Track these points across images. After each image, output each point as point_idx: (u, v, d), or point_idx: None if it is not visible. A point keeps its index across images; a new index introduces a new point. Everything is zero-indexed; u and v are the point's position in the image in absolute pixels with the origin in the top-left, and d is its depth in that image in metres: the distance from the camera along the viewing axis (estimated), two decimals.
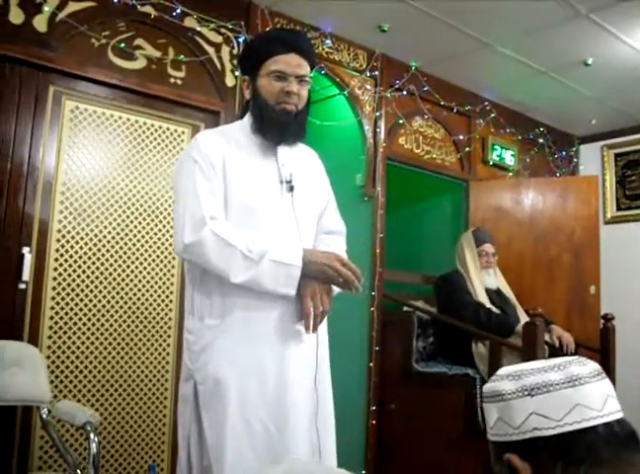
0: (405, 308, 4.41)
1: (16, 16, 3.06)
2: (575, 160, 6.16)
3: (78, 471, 2.55)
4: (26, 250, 3.05)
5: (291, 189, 2.02)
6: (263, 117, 2.02)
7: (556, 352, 3.86)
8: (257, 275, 1.82)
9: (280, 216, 1.98)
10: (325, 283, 1.91)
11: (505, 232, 4.95)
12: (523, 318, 4.11)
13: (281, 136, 2.03)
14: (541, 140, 5.80)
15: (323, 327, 2.07)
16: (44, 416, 2.65)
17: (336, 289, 2.01)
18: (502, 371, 1.10)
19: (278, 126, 2.00)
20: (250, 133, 2.05)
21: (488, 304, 4.11)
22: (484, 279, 4.30)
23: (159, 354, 3.46)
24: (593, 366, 1.05)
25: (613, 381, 3.81)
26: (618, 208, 5.77)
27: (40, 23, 3.13)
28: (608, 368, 4.01)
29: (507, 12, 3.85)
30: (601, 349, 4.23)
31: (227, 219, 1.93)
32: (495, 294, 4.27)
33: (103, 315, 3.28)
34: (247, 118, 2.10)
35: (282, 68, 1.99)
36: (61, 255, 3.17)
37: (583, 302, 4.73)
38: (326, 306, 1.92)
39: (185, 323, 2.02)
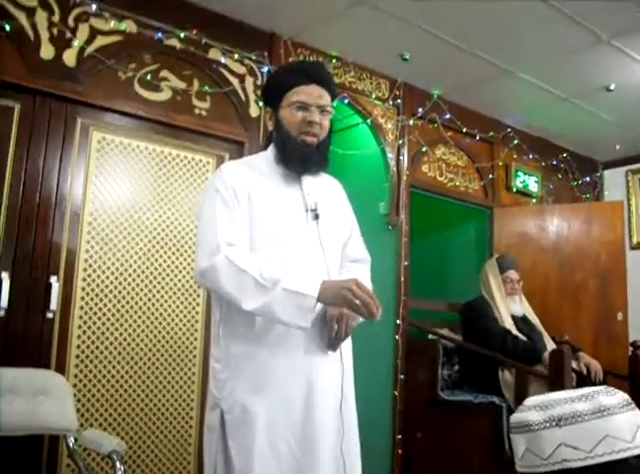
0: (430, 336, 4.38)
1: (47, 51, 3.14)
2: (599, 185, 6.12)
3: None
4: (53, 279, 3.09)
5: (317, 217, 2.03)
6: (286, 147, 2.04)
7: (584, 379, 3.80)
8: (269, 303, 1.79)
9: (306, 244, 1.99)
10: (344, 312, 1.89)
11: (529, 258, 4.92)
12: (550, 345, 4.07)
13: (304, 167, 2.05)
14: (565, 166, 5.78)
15: (348, 353, 2.07)
16: (71, 444, 2.67)
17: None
18: (529, 402, 1.10)
19: (300, 157, 2.02)
20: (274, 163, 2.08)
21: (515, 331, 4.07)
22: (510, 307, 4.27)
23: (184, 382, 3.47)
24: (621, 397, 1.04)
25: None
26: None
27: (70, 57, 3.20)
28: (638, 396, 3.94)
29: (528, 39, 3.87)
30: (630, 376, 4.15)
31: (253, 248, 1.94)
32: (521, 321, 4.23)
33: (129, 344, 3.30)
34: (271, 149, 2.13)
35: (304, 99, 2.01)
36: (88, 284, 3.21)
37: (610, 329, 4.66)
38: (350, 328, 1.94)
39: (211, 351, 2.02)
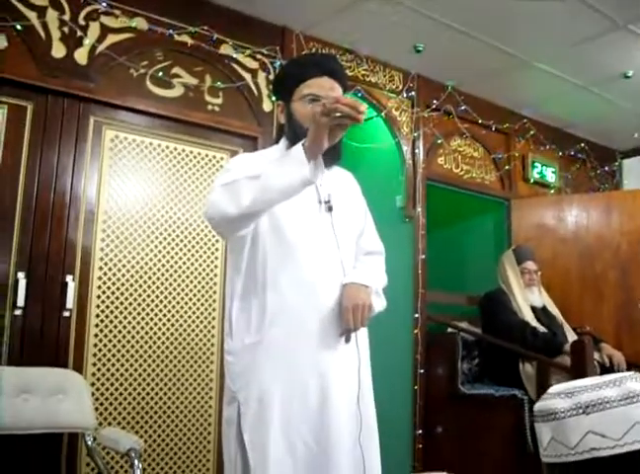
0: (449, 329, 4.35)
1: (58, 50, 3.13)
2: (618, 175, 6.05)
3: None
4: (69, 278, 3.08)
5: (330, 209, 2.02)
6: (298, 140, 2.01)
7: (607, 371, 3.75)
8: (263, 182, 1.69)
9: (319, 235, 1.98)
10: (337, 130, 1.68)
11: (549, 250, 4.87)
12: (571, 336, 4.02)
13: None
14: (582, 156, 5.71)
15: (364, 344, 2.05)
16: (90, 443, 2.67)
17: (377, 307, 2.01)
18: (554, 389, 1.06)
19: None
20: None
21: (534, 323, 4.03)
22: (528, 298, 4.23)
23: (202, 380, 3.46)
24: None
25: None
26: None
27: (81, 56, 3.20)
28: None
29: (543, 27, 3.81)
30: None
31: (266, 240, 1.93)
32: (541, 312, 4.19)
33: (146, 341, 3.29)
34: (282, 142, 2.11)
35: (316, 91, 1.99)
36: (104, 282, 3.20)
37: (632, 319, 4.59)
38: (364, 321, 1.91)
39: (224, 346, 2.01)
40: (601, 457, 0.96)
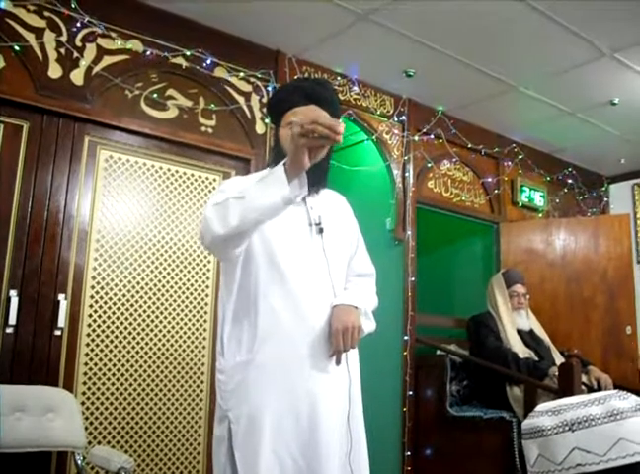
0: (438, 352, 4.37)
1: (54, 71, 3.17)
2: (605, 199, 6.12)
3: None
4: (61, 297, 3.09)
5: (321, 231, 2.04)
6: None
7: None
8: (248, 201, 1.72)
9: (310, 258, 2.00)
10: (317, 150, 1.70)
11: (537, 273, 4.91)
12: (558, 360, 4.05)
13: None
14: (570, 181, 5.79)
15: (355, 365, 2.07)
16: (79, 462, 2.66)
17: (367, 329, 2.03)
18: (541, 407, 1.09)
19: None
20: None
21: (520, 346, 4.05)
22: (516, 321, 4.25)
23: (192, 399, 3.46)
24: (634, 400, 1.03)
25: None
26: None
27: (77, 77, 3.24)
28: None
29: (531, 54, 3.89)
30: None
31: (258, 261, 1.95)
32: (528, 336, 4.22)
33: (137, 361, 3.30)
34: (272, 167, 2.14)
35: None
36: (96, 301, 3.21)
37: (619, 343, 4.63)
38: (354, 342, 1.93)
39: (217, 365, 2.02)
40: (587, 473, 0.99)
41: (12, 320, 2.94)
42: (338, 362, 1.93)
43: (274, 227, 1.97)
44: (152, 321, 3.37)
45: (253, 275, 1.96)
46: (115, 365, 3.23)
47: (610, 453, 0.98)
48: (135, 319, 3.32)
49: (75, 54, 3.23)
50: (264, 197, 1.72)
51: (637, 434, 0.99)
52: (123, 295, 3.30)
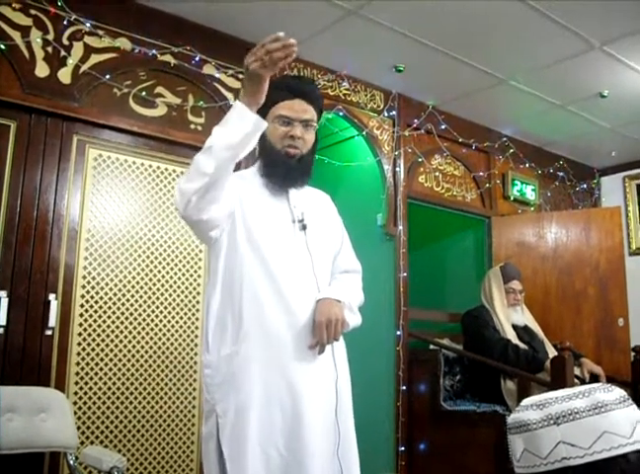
0: (431, 346, 4.37)
1: (42, 69, 3.15)
2: (596, 192, 6.14)
3: None
4: (52, 296, 3.08)
5: (304, 227, 2.06)
6: (268, 161, 2.09)
7: None
8: (218, 146, 1.78)
9: (294, 255, 2.02)
10: (265, 73, 1.80)
11: (529, 266, 4.92)
12: (552, 353, 4.06)
13: (284, 180, 2.07)
14: (561, 174, 5.80)
15: (342, 358, 2.09)
16: (72, 462, 2.66)
17: (351, 322, 2.05)
18: (526, 402, 1.09)
19: (281, 170, 2.06)
20: (260, 177, 2.11)
21: (515, 340, 4.06)
22: (511, 316, 4.25)
23: (185, 398, 3.46)
24: (618, 393, 1.04)
25: None
26: None
27: (65, 75, 3.22)
28: None
29: (520, 48, 3.89)
30: (633, 382, 4.15)
31: (243, 256, 1.97)
32: (523, 331, 4.22)
33: (128, 360, 3.29)
34: (258, 163, 2.16)
35: (287, 113, 2.04)
36: (87, 301, 3.21)
37: (611, 335, 4.65)
38: (338, 334, 1.95)
39: (203, 360, 2.03)
40: (572, 466, 0.99)
41: (2, 320, 2.93)
42: (320, 352, 1.94)
43: (258, 223, 2.00)
44: (144, 320, 3.37)
45: (238, 269, 1.98)
46: (106, 365, 3.22)
47: (595, 446, 0.98)
48: (127, 318, 3.31)
49: (62, 53, 3.21)
50: (233, 133, 1.78)
51: (621, 426, 0.99)
52: (114, 294, 3.29)
